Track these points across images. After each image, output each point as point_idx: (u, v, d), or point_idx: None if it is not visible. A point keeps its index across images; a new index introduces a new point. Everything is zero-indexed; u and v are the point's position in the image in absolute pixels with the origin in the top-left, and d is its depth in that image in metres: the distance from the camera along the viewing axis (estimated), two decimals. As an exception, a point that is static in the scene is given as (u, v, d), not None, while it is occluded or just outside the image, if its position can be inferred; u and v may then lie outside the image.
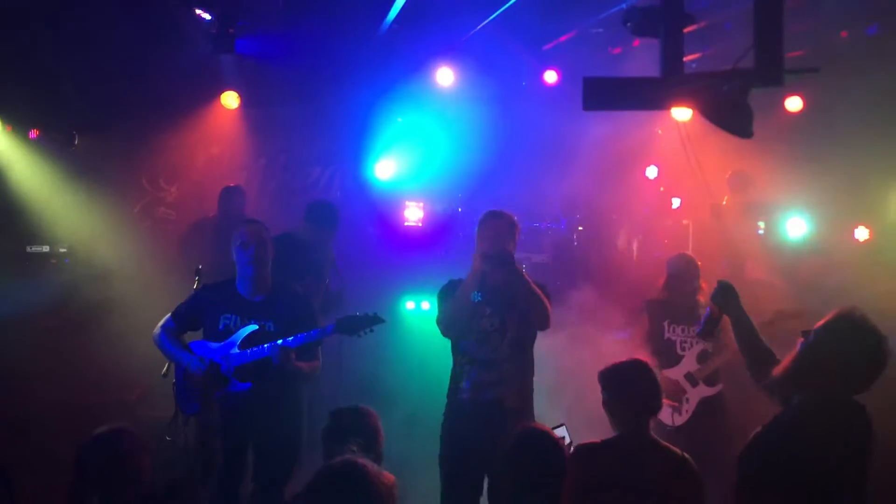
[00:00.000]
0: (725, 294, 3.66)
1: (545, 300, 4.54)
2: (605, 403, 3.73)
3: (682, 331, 5.87)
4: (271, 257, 4.88)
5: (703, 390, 5.76)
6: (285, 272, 5.21)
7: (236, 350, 4.79)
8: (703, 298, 5.85)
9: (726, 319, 3.68)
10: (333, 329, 4.66)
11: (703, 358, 5.80)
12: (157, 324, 4.99)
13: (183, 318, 4.97)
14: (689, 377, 5.77)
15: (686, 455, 3.64)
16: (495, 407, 4.48)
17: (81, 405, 6.56)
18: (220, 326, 4.84)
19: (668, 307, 5.93)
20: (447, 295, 4.69)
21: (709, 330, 3.78)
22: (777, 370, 3.28)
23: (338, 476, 2.74)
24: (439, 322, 4.69)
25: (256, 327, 4.77)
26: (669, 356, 5.78)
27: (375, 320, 4.66)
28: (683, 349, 5.85)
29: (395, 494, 2.78)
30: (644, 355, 5.60)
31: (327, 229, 6.52)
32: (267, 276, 4.88)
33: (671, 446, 3.69)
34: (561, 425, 3.91)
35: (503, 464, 3.43)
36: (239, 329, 4.80)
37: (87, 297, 6.96)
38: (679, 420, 5.64)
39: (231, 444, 4.63)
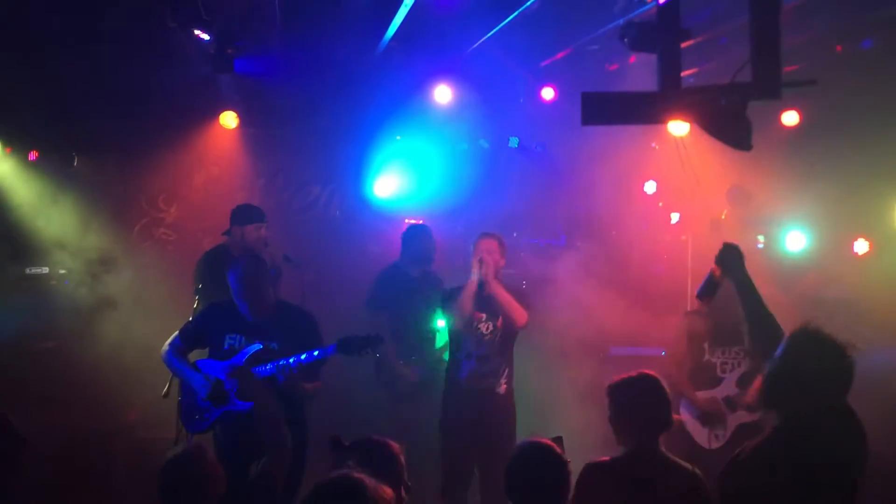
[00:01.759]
0: (730, 256, 3.55)
1: (517, 306, 5.51)
2: (611, 419, 3.62)
3: (723, 353, 5.58)
4: (269, 280, 4.90)
5: (742, 416, 5.42)
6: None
7: (240, 372, 4.79)
8: None
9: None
10: (335, 349, 4.67)
11: (743, 382, 5.45)
12: (160, 344, 5.00)
13: (190, 337, 4.99)
14: (729, 401, 5.49)
15: (696, 470, 3.56)
16: (488, 393, 5.53)
17: (81, 427, 6.55)
18: (226, 346, 4.89)
19: (710, 325, 5.56)
20: (447, 299, 5.68)
21: (707, 291, 3.65)
22: (751, 398, 3.21)
23: (333, 491, 2.63)
24: (445, 319, 5.80)
25: (261, 347, 4.78)
26: (709, 379, 5.56)
27: (376, 341, 4.69)
28: (724, 371, 5.56)
29: None
30: (680, 374, 5.55)
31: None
32: (264, 299, 4.88)
33: (682, 462, 3.59)
34: (558, 437, 3.84)
35: (505, 477, 3.39)
36: (244, 348, 4.81)
37: (87, 319, 6.95)
38: (716, 444, 5.45)
39: (232, 463, 4.62)
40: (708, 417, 5.49)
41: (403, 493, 3.17)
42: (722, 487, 3.13)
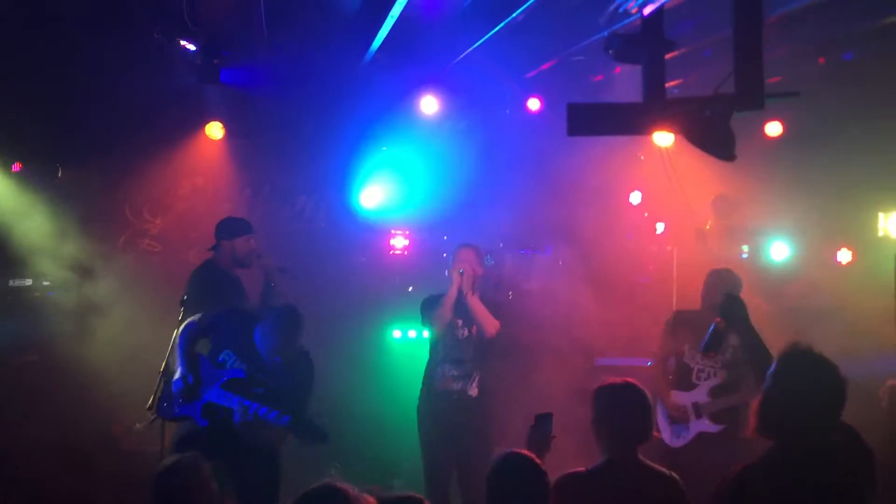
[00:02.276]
0: (732, 307, 3.54)
1: (489, 316, 5.79)
2: (593, 423, 3.61)
3: (703, 358, 5.61)
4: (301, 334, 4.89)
5: (705, 425, 5.53)
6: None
7: (216, 388, 4.79)
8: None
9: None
10: (287, 422, 4.55)
11: (716, 392, 5.54)
12: (146, 356, 5.00)
13: (203, 328, 5.02)
14: (696, 407, 5.56)
15: (674, 475, 3.58)
16: (460, 395, 5.78)
17: (65, 441, 6.48)
18: (220, 358, 4.90)
19: (697, 327, 5.42)
20: (426, 307, 5.90)
21: (714, 344, 3.65)
22: (749, 429, 3.10)
23: (317, 500, 2.63)
24: (425, 325, 5.96)
25: (244, 377, 4.78)
26: (684, 380, 5.62)
27: (323, 438, 4.56)
28: (699, 379, 5.61)
29: None
30: (660, 371, 5.70)
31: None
32: (280, 346, 4.86)
33: (659, 467, 3.61)
34: (548, 413, 3.81)
35: (486, 488, 3.38)
36: (231, 370, 4.81)
37: (71, 331, 6.90)
38: (677, 443, 5.55)
39: None
40: (674, 418, 5.60)
41: None
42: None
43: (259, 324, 4.89)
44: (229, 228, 6.18)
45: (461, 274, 5.75)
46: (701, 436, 5.53)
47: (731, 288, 5.38)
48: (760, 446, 3.07)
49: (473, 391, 5.80)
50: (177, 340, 5.02)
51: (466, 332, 5.85)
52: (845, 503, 2.91)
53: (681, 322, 5.71)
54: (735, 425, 5.51)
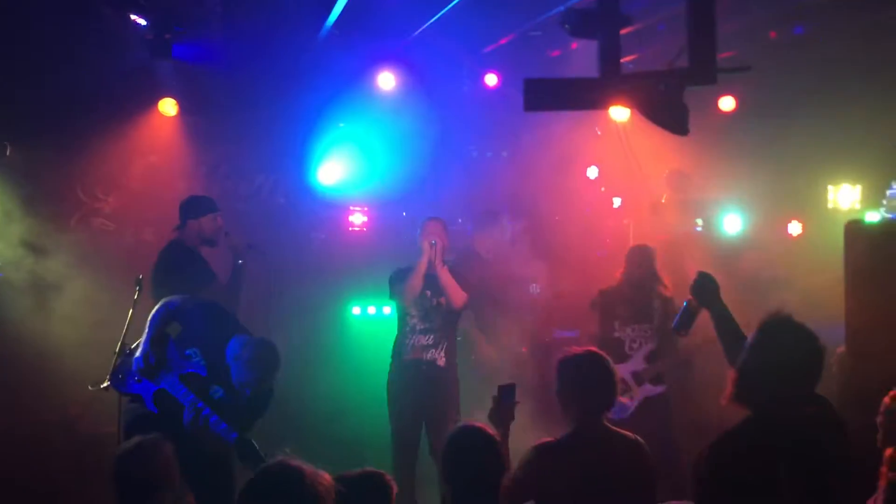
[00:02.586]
0: (704, 287, 3.56)
1: (458, 288, 5.92)
2: (559, 394, 3.68)
3: (633, 330, 5.93)
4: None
5: (648, 389, 5.85)
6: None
7: (174, 378, 4.73)
8: (663, 293, 5.92)
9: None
10: (234, 439, 4.46)
11: (651, 358, 5.86)
12: (101, 336, 4.91)
13: (179, 313, 4.88)
14: (636, 375, 5.84)
15: (639, 438, 3.70)
16: (428, 365, 5.94)
17: (21, 423, 6.39)
18: (187, 352, 4.80)
19: (622, 303, 5.95)
20: (396, 279, 6.01)
21: (685, 323, 3.66)
22: (725, 396, 3.07)
23: (272, 479, 2.57)
24: (393, 297, 6.06)
25: (204, 375, 4.72)
26: (617, 354, 5.73)
27: (260, 463, 4.35)
28: (632, 349, 5.90)
29: (333, 496, 2.62)
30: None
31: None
32: (253, 383, 4.72)
33: (624, 431, 3.71)
34: (511, 384, 3.88)
35: (441, 464, 3.42)
36: (193, 363, 4.74)
37: (23, 311, 6.77)
38: (622, 415, 5.66)
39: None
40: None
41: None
42: (697, 475, 2.99)
43: (235, 340, 4.74)
44: (195, 207, 6.12)
45: (433, 245, 5.87)
46: (647, 400, 5.83)
47: (649, 260, 5.90)
48: (702, 400, 3.10)
49: (441, 361, 5.96)
50: (150, 317, 4.86)
51: (435, 302, 5.99)
52: (821, 472, 2.90)
53: (607, 300, 6.02)
54: (674, 383, 5.89)
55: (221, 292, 5.91)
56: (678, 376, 6.04)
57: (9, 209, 7.01)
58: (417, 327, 6.00)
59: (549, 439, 3.66)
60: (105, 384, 4.92)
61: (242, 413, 4.66)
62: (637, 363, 5.86)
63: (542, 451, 3.60)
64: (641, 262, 5.97)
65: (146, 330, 4.85)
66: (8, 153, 7.05)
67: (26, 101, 7.00)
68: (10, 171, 7.08)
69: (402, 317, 6.09)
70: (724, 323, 3.49)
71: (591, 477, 3.52)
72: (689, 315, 3.68)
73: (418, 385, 5.95)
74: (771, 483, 2.82)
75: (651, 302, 5.90)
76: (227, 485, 4.71)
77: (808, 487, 2.84)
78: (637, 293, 5.95)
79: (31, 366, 6.51)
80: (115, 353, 4.97)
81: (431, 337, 5.98)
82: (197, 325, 4.88)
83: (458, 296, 5.95)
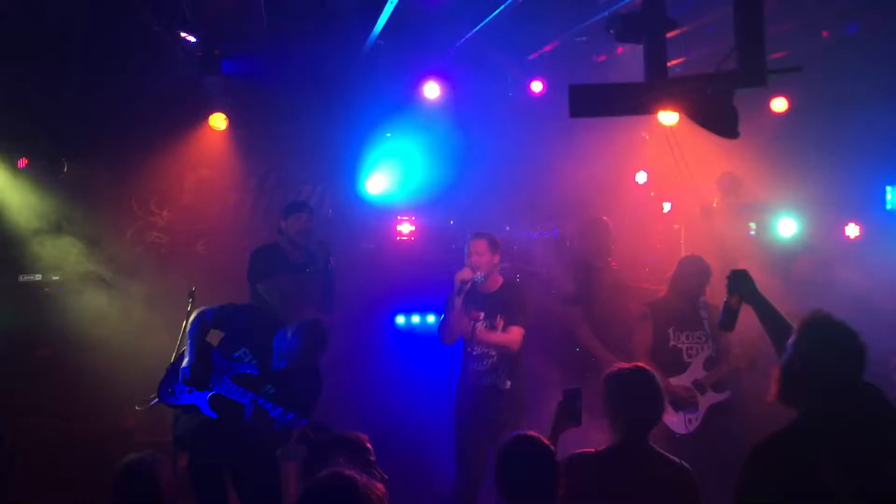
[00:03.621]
0: (740, 282, 3.58)
1: (505, 337, 5.55)
2: (606, 409, 3.64)
3: (688, 337, 5.77)
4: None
5: (713, 397, 5.67)
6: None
7: (227, 380, 4.79)
8: (708, 301, 5.82)
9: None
10: (303, 426, 4.47)
11: (709, 364, 5.71)
12: (156, 349, 4.97)
13: (216, 321, 4.96)
14: (698, 385, 5.67)
15: (684, 464, 3.59)
16: (493, 389, 5.58)
17: (78, 433, 6.54)
18: (235, 354, 4.87)
19: (673, 311, 5.80)
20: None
21: (729, 321, 3.66)
22: (770, 395, 3.11)
23: (326, 489, 2.59)
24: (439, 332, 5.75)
25: (257, 373, 4.77)
26: (676, 364, 5.67)
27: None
28: (690, 356, 5.74)
29: None
30: (648, 364, 5.64)
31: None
32: (297, 360, 4.81)
33: (669, 455, 3.61)
34: (577, 389, 3.84)
35: (495, 472, 3.39)
36: (245, 364, 4.80)
37: (81, 325, 6.93)
38: (691, 427, 5.59)
39: (200, 461, 4.70)
40: (681, 402, 5.60)
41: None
42: (748, 478, 2.97)
43: (283, 329, 4.82)
44: (286, 209, 6.50)
45: (466, 283, 5.43)
46: (712, 409, 5.64)
47: (704, 275, 5.78)
48: (769, 403, 3.10)
49: (506, 384, 5.57)
50: (187, 329, 5.00)
51: (488, 324, 5.62)
52: (876, 466, 2.87)
53: (658, 312, 5.84)
54: (737, 388, 5.72)
55: (307, 289, 6.19)
56: (747, 380, 5.82)
57: (67, 224, 7.21)
58: (473, 352, 5.65)
59: (589, 450, 3.61)
60: (154, 400, 5.00)
61: (297, 401, 4.70)
62: (696, 371, 5.70)
63: (579, 461, 3.55)
64: (697, 275, 5.81)
65: (187, 341, 4.93)
66: (66, 170, 7.26)
67: (81, 119, 7.21)
68: (68, 187, 7.29)
69: (463, 340, 5.75)
70: (768, 316, 3.48)
71: (622, 495, 3.44)
72: (730, 312, 3.67)
73: (482, 410, 5.58)
74: (819, 482, 2.82)
75: (698, 311, 5.79)
76: (277, 491, 4.82)
77: (860, 484, 2.81)
78: (686, 303, 5.83)
79: (89, 377, 6.66)
80: (170, 363, 5.07)
81: (488, 361, 5.60)
82: (239, 326, 4.96)
83: (509, 345, 5.54)
